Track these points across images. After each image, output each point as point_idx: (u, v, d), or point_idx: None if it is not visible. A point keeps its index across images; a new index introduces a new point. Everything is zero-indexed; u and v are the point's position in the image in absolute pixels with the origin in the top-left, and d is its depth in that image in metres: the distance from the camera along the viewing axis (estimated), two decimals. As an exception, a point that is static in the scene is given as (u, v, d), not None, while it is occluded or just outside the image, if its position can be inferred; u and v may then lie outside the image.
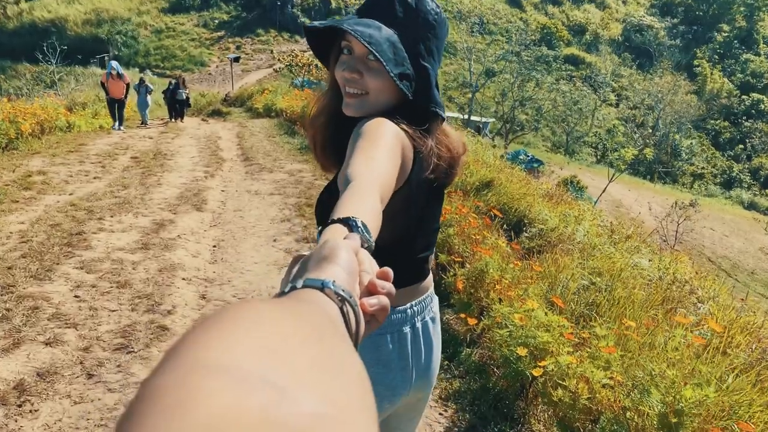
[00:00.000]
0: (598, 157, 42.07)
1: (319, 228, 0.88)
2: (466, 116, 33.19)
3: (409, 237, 1.36)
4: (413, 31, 1.27)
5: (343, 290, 0.57)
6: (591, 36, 51.44)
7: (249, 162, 10.13)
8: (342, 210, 0.81)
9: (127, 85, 14.98)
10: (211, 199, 7.48)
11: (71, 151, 10.43)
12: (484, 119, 35.49)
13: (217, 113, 20.79)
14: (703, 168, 44.54)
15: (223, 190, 8.08)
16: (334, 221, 0.77)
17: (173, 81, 18.56)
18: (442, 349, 2.04)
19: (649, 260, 6.52)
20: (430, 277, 1.51)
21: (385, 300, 0.66)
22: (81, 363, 3.52)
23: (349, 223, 0.76)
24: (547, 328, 3.22)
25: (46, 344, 3.70)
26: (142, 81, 17.01)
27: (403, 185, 1.21)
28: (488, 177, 10.11)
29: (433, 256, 1.56)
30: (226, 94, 25.06)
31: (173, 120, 18.12)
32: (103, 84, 15.16)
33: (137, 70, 38.78)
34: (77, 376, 3.38)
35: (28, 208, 6.71)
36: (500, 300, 4.00)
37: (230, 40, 46.23)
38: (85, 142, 11.63)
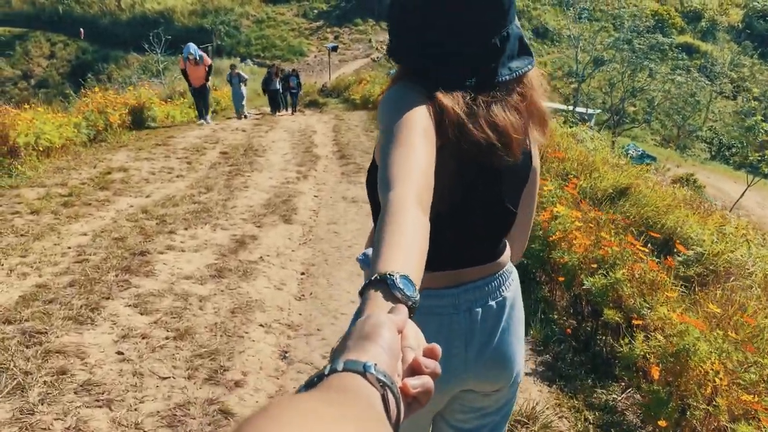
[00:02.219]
0: (713, 153, 38.53)
1: (360, 289, 0.76)
2: (571, 107, 30.91)
3: (459, 211, 1.26)
4: None
5: (385, 376, 0.55)
6: (707, 23, 47.12)
7: (345, 160, 8.93)
8: (382, 254, 0.78)
9: (209, 67, 13.08)
10: (302, 208, 6.30)
11: (158, 144, 9.60)
12: (589, 110, 33.01)
13: (313, 104, 19.87)
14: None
15: (315, 196, 6.89)
16: (372, 282, 0.73)
17: (271, 70, 17.71)
18: None
19: None
20: (502, 258, 1.38)
21: (428, 382, 0.62)
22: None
23: (387, 284, 0.72)
24: None
25: (61, 441, 2.58)
26: (233, 68, 15.93)
27: (438, 151, 1.04)
28: (623, 183, 8.43)
29: (512, 241, 1.45)
30: (323, 85, 24.17)
31: (275, 113, 17.27)
32: (183, 71, 13.16)
33: (239, 59, 38.83)
34: None
35: (98, 214, 5.76)
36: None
37: (328, 29, 45.56)
38: (174, 134, 10.81)
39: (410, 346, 0.64)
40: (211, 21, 45.26)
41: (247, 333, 3.56)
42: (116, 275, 4.21)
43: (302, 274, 4.63)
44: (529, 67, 1.28)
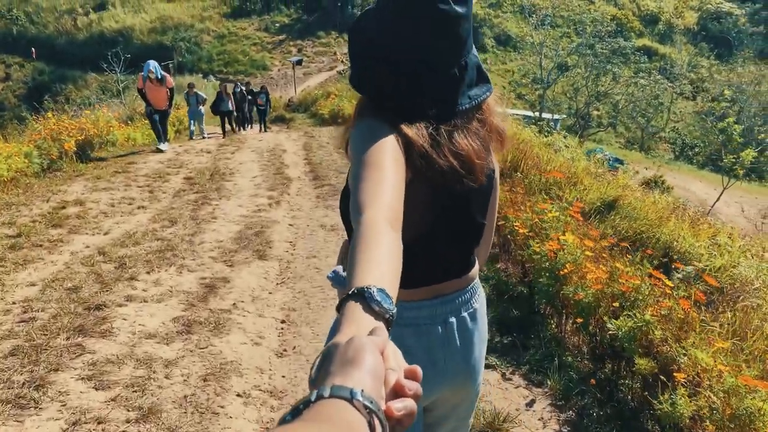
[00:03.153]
0: (677, 153, 38.89)
1: (337, 304, 0.78)
2: (537, 113, 30.84)
3: (431, 235, 1.31)
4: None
5: (372, 402, 0.55)
6: (664, 26, 47.74)
7: (320, 182, 8.39)
8: (357, 271, 0.80)
9: (171, 89, 11.28)
10: (277, 240, 5.74)
11: (118, 172, 8.93)
12: (555, 116, 33.00)
13: (280, 119, 19.27)
14: (792, 163, 40.61)
15: (291, 224, 6.33)
16: (350, 296, 0.75)
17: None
18: None
19: None
20: (472, 271, 1.44)
21: (411, 404, 0.62)
22: None
23: (365, 297, 0.74)
24: None
25: None
26: (191, 87, 15.11)
27: (408, 184, 1.08)
28: (610, 195, 8.06)
29: (478, 252, 1.49)
30: (289, 99, 23.58)
31: (225, 134, 16.64)
32: (140, 91, 11.22)
33: (200, 75, 38.03)
34: None
35: (49, 258, 5.12)
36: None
37: (291, 43, 44.95)
38: (135, 160, 10.14)
39: (392, 368, 0.64)
40: (172, 38, 44.30)
41: (222, 407, 2.99)
42: (67, 338, 3.60)
43: (282, 322, 4.08)
44: (488, 94, 1.32)
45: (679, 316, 3.29)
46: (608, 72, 30.97)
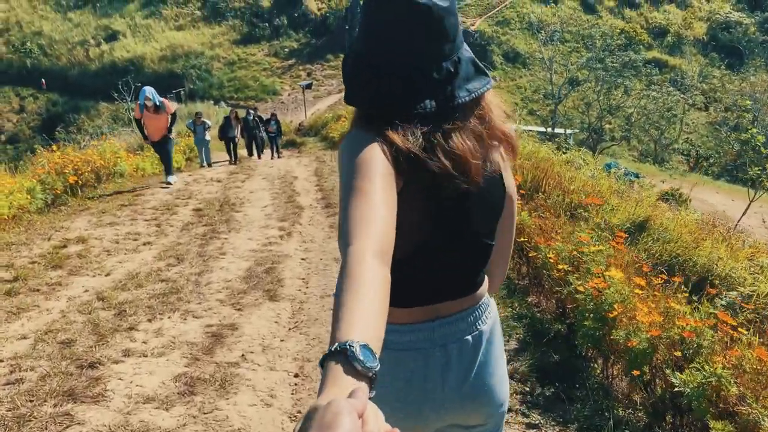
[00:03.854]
0: (691, 164, 38.22)
1: (320, 359, 0.76)
2: (549, 129, 30.38)
3: (428, 248, 1.25)
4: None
5: None
6: (673, 38, 47.22)
7: (332, 210, 7.98)
8: (341, 321, 0.78)
9: (173, 116, 10.03)
10: (289, 277, 5.31)
11: (124, 205, 8.57)
12: (567, 131, 32.53)
13: (291, 144, 18.97)
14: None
15: (303, 258, 5.91)
16: (332, 353, 0.74)
17: (229, 116, 16.34)
18: None
19: None
20: (479, 291, 1.38)
21: None
22: None
23: (347, 356, 0.73)
24: None
25: None
26: (199, 116, 14.76)
27: (399, 194, 1.06)
28: (640, 215, 7.59)
29: (491, 272, 1.45)
30: (299, 123, 23.31)
31: (235, 161, 16.38)
32: (137, 122, 10.11)
33: (212, 102, 38.01)
34: None
35: (45, 305, 4.73)
36: None
37: (301, 67, 44.98)
38: (143, 191, 9.80)
39: (371, 431, 0.64)
40: (182, 65, 44.49)
41: (229, 491, 2.55)
42: (55, 405, 3.18)
43: (296, 376, 3.63)
44: (488, 86, 1.27)
45: (753, 366, 2.82)
46: (620, 85, 30.53)
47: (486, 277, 1.42)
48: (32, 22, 48.93)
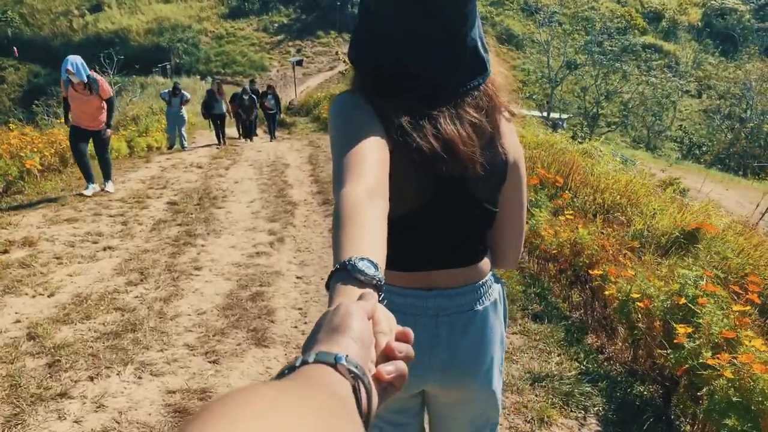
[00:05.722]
0: (684, 152, 37.33)
1: (327, 278, 0.75)
2: (545, 113, 29.17)
3: (422, 212, 1.20)
4: None
5: (356, 367, 0.53)
6: (668, 23, 45.94)
7: (330, 207, 6.74)
8: (338, 249, 0.78)
9: (109, 102, 7.26)
10: (282, 306, 4.08)
11: (89, 196, 7.26)
12: (562, 116, 31.35)
13: (281, 124, 17.54)
14: (803, 160, 38.96)
15: (299, 277, 4.67)
16: (334, 272, 0.73)
17: (212, 89, 13.82)
18: None
19: None
20: (479, 266, 1.29)
21: (402, 366, 0.61)
22: None
23: (348, 270, 0.72)
24: None
25: None
26: (176, 87, 12.67)
27: (391, 153, 1.04)
28: (688, 222, 6.42)
29: (501, 249, 1.37)
30: (290, 102, 21.85)
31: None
32: (65, 100, 7.41)
33: (198, 77, 36.40)
34: None
35: (-43, 345, 3.47)
36: None
37: (290, 43, 43.25)
38: (114, 178, 8.47)
39: (382, 331, 0.63)
40: (169, 39, 42.59)
41: None
42: None
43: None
44: (483, 79, 1.22)
45: None
46: (618, 70, 29.34)
47: (489, 254, 1.34)
48: (13, -10, 46.70)
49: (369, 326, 0.60)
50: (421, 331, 1.21)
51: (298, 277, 4.65)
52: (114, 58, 27.06)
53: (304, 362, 0.53)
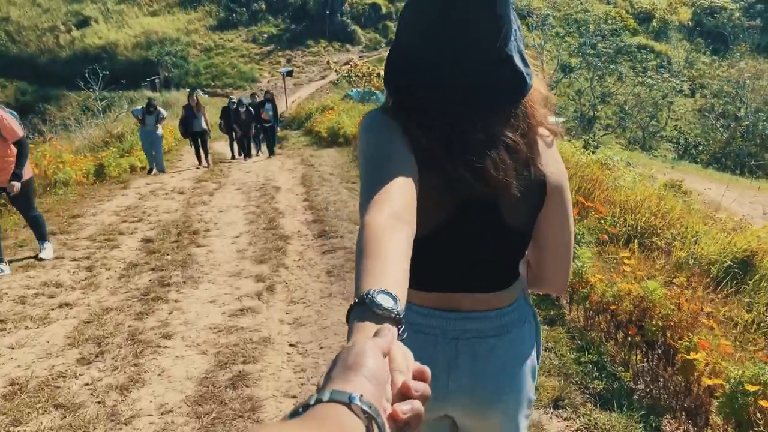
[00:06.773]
0: (680, 152, 36.63)
1: (346, 316, 0.71)
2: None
3: (447, 230, 1.11)
4: None
5: (370, 407, 0.52)
6: (659, 23, 45.25)
7: (328, 241, 5.80)
8: (359, 281, 0.74)
9: (20, 145, 5.11)
10: (272, 395, 3.12)
11: (53, 233, 6.29)
12: (558, 119, 30.52)
13: (271, 138, 16.55)
14: (800, 158, 38.28)
15: (293, 345, 3.73)
16: (353, 306, 0.70)
17: (189, 103, 12.16)
18: None
19: None
20: (507, 291, 1.19)
21: (418, 406, 0.57)
22: None
23: (366, 303, 0.69)
24: None
25: None
26: (150, 103, 11.21)
27: (419, 174, 0.99)
28: (740, 248, 5.58)
29: (545, 273, 1.26)
30: (280, 114, 20.88)
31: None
32: None
33: (188, 90, 35.43)
34: None
35: None
36: None
37: (280, 53, 42.37)
38: (84, 209, 7.50)
39: (399, 369, 0.60)
40: (157, 53, 41.66)
41: None
42: None
43: None
44: (520, 96, 1.11)
45: None
46: (613, 72, 28.56)
47: (521, 279, 1.24)
48: (-2, 8, 45.69)
49: (384, 364, 0.58)
50: (440, 353, 1.16)
51: (291, 345, 3.71)
52: (99, 73, 26.03)
53: (319, 400, 0.51)
